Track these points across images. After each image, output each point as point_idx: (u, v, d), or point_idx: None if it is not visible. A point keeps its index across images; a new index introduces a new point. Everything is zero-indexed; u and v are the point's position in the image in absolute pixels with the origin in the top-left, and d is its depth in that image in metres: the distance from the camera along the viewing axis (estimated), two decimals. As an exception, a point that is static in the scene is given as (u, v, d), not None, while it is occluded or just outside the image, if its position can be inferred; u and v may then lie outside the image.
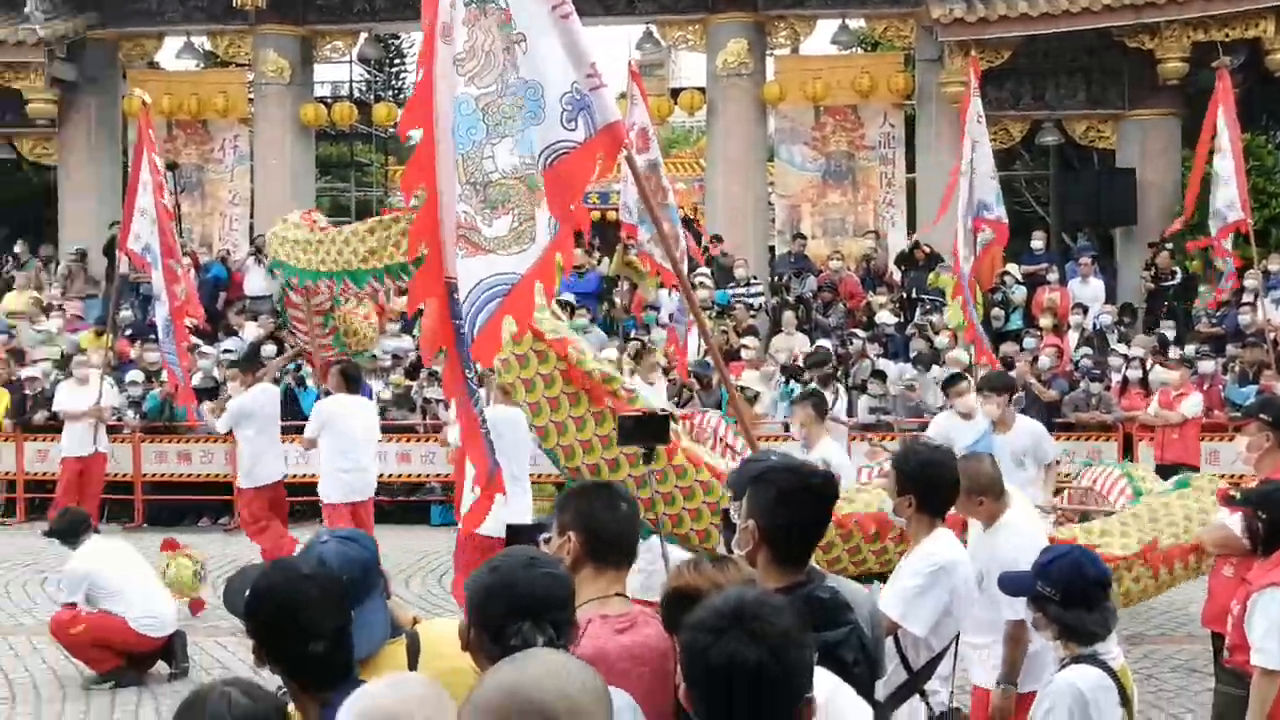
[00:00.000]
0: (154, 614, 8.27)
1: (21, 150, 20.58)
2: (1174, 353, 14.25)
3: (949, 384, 9.42)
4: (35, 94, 19.05)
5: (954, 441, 7.16)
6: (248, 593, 2.93)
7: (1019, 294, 16.23)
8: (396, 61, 35.48)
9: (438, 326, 4.56)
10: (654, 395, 10.57)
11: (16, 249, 19.83)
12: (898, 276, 17.76)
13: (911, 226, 18.91)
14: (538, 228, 4.85)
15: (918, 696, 4.36)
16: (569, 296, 16.97)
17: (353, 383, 10.41)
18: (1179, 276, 16.85)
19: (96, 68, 19.93)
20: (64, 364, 14.82)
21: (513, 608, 2.70)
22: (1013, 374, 12.02)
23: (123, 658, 8.28)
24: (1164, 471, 10.30)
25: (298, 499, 12.57)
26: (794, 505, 3.25)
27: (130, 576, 8.37)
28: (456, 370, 4.57)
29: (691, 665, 2.11)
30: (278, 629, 2.86)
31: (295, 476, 12.15)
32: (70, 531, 8.50)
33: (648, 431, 5.00)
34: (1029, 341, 14.67)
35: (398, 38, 35.48)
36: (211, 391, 13.74)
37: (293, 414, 14.21)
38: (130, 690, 8.14)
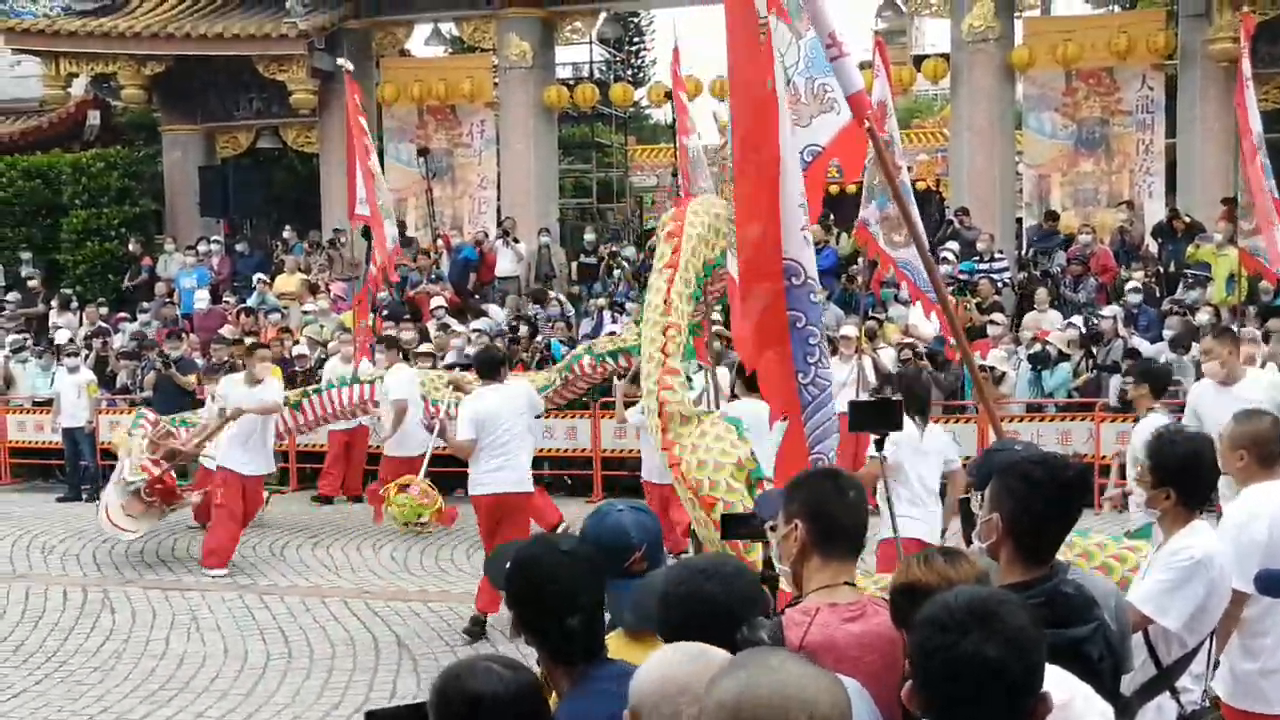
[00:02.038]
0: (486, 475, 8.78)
1: (287, 139, 21.88)
2: None
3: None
4: (297, 85, 20.15)
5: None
6: (508, 566, 3.02)
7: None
8: (635, 40, 35.85)
9: (768, 319, 4.23)
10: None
11: (285, 234, 20.98)
12: (1154, 249, 16.90)
13: (1171, 195, 17.96)
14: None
15: (1168, 694, 4.20)
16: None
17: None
18: None
19: (352, 57, 20.67)
20: (324, 344, 15.61)
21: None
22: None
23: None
24: None
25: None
26: (1042, 498, 3.13)
27: (502, 428, 8.85)
28: (787, 371, 4.22)
29: (925, 663, 2.10)
30: (535, 603, 2.93)
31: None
32: (488, 365, 9.17)
33: (878, 417, 4.96)
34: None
35: (636, 15, 35.90)
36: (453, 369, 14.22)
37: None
38: (392, 649, 8.64)
